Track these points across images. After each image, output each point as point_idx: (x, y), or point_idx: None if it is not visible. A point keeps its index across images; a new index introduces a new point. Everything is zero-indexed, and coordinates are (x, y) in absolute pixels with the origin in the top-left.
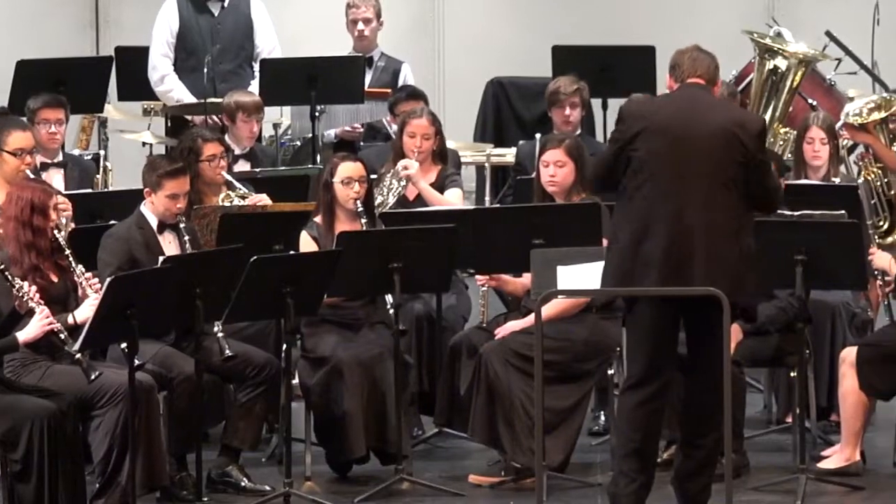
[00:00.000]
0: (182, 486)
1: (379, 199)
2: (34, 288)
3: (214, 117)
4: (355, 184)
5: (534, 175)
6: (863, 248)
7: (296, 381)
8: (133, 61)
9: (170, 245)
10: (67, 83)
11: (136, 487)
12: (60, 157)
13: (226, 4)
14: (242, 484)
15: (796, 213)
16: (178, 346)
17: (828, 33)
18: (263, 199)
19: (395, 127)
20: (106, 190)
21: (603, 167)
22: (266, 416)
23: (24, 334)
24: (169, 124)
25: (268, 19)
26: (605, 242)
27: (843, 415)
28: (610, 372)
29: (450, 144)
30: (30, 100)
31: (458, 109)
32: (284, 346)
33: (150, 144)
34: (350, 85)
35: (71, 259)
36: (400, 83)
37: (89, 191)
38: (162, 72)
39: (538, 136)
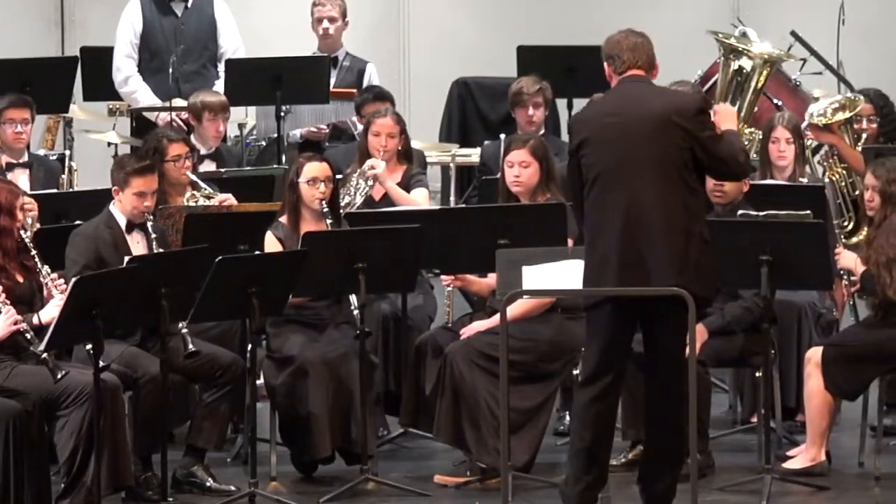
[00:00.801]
0: (147, 487)
1: (346, 199)
2: (0, 288)
3: (178, 118)
4: (321, 184)
5: (499, 175)
6: (828, 248)
7: (261, 381)
8: (98, 61)
9: (138, 245)
10: (33, 83)
11: (102, 487)
12: (26, 158)
13: (189, 5)
14: (208, 484)
15: (762, 214)
16: (144, 347)
17: (793, 33)
18: (229, 199)
19: (360, 127)
20: (71, 190)
21: (570, 186)
22: (231, 416)
23: None
24: (134, 124)
25: (231, 19)
26: (570, 243)
27: (809, 415)
28: (575, 372)
29: (415, 144)
30: None
31: (423, 109)
32: (249, 347)
33: (116, 144)
34: (315, 85)
35: (37, 259)
36: (365, 83)
37: (55, 191)
38: (126, 73)
39: (503, 136)
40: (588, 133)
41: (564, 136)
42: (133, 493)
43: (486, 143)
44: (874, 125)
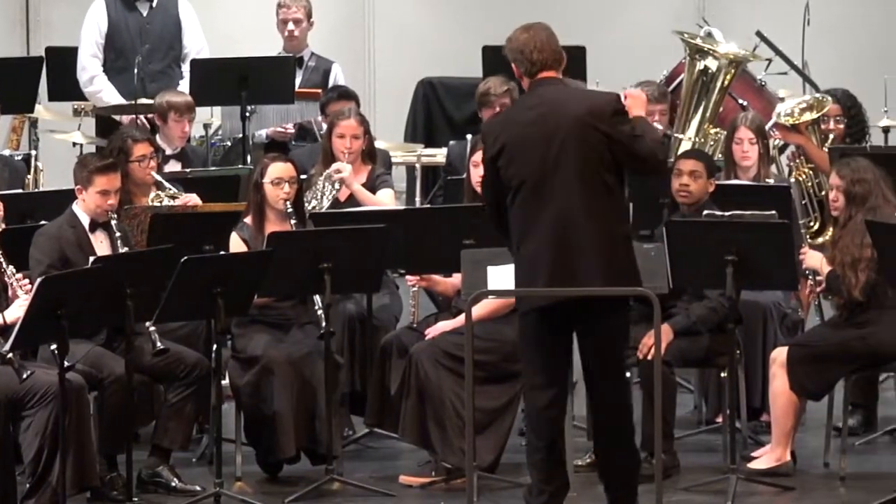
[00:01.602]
0: (112, 487)
1: (313, 203)
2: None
3: (143, 118)
4: (285, 184)
5: (464, 176)
6: (793, 248)
7: (226, 381)
8: (63, 61)
9: (101, 244)
10: None
11: (67, 488)
12: None
13: (154, 4)
14: (173, 484)
15: (727, 214)
16: (109, 347)
17: (758, 34)
18: (193, 199)
19: (325, 127)
20: (37, 190)
21: (487, 195)
22: (196, 416)
23: None
24: (98, 125)
25: (195, 20)
26: None
27: (774, 415)
28: None
29: (380, 145)
30: None
31: (388, 110)
32: (215, 347)
33: (81, 145)
34: (280, 85)
35: (1, 259)
36: (330, 83)
37: (20, 191)
38: (91, 72)
39: (469, 136)
40: (506, 140)
41: None
42: (98, 493)
43: (451, 143)
44: (841, 126)
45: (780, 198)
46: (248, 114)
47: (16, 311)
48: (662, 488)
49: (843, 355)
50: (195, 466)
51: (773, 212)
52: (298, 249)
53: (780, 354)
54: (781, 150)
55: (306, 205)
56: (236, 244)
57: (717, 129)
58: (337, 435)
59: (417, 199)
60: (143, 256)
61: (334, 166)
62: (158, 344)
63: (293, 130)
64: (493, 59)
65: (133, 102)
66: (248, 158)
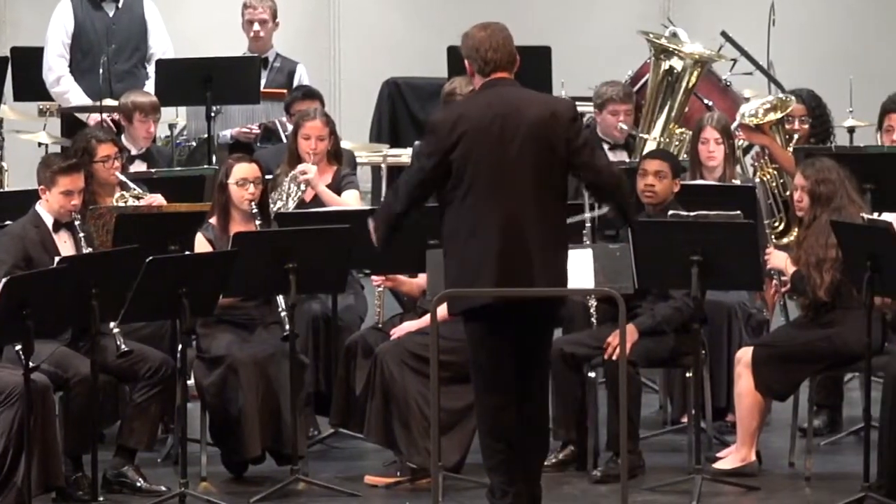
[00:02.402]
0: (78, 487)
1: (279, 205)
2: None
3: (108, 118)
4: (250, 185)
5: None
6: (758, 248)
7: (191, 381)
8: (29, 61)
9: (65, 244)
10: None
11: (32, 488)
12: None
13: (120, 5)
14: (138, 484)
15: (692, 214)
16: (74, 347)
17: (723, 34)
18: (158, 200)
19: (290, 127)
20: (2, 190)
21: (413, 191)
22: (161, 416)
23: None
24: (64, 125)
25: (160, 20)
26: None
27: (739, 415)
28: None
29: (346, 145)
30: None
31: (353, 110)
32: (180, 347)
33: (46, 145)
34: (246, 85)
35: None
36: (295, 84)
37: None
38: (58, 73)
39: None
40: (463, 134)
41: None
42: (64, 494)
43: (416, 143)
44: (806, 126)
45: (745, 198)
46: (213, 114)
47: None
48: (628, 488)
49: (808, 356)
50: (160, 466)
51: (739, 212)
52: (263, 250)
53: (745, 354)
54: (746, 150)
55: (272, 205)
56: (201, 244)
57: (683, 130)
58: (302, 435)
59: (384, 199)
60: (109, 256)
61: (300, 167)
62: (123, 346)
63: (258, 131)
64: (459, 59)
65: (99, 103)
66: (214, 159)
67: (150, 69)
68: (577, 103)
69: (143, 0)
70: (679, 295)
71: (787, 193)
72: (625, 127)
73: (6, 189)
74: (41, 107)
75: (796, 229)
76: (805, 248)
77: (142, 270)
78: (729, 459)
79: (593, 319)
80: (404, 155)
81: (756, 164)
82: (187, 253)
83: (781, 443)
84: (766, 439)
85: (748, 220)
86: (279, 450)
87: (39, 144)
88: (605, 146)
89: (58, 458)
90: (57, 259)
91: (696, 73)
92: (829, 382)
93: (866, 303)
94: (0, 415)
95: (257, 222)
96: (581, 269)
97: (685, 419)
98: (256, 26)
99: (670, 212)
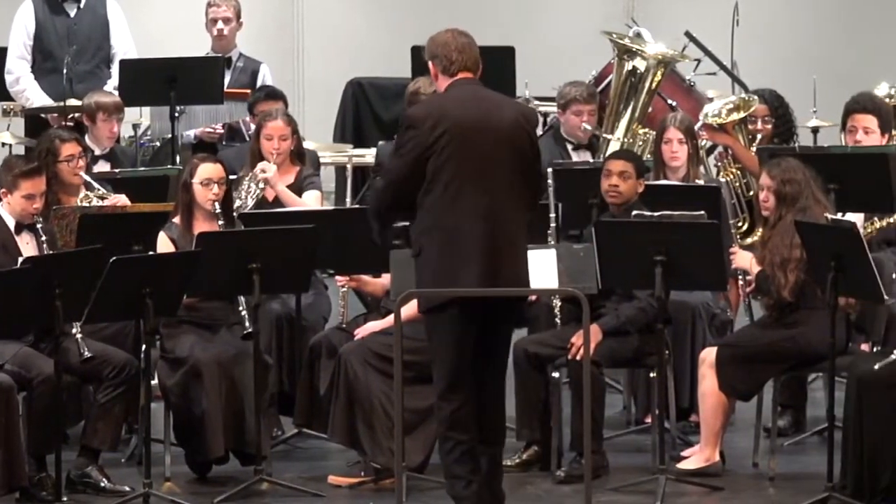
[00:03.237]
0: (41, 487)
1: (238, 203)
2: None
3: (71, 119)
4: (214, 185)
5: None
6: (722, 248)
7: (155, 381)
8: None
9: (27, 245)
10: None
11: None
12: None
13: (82, 5)
14: (102, 484)
15: (656, 214)
16: (38, 347)
17: (687, 34)
18: (122, 200)
19: (253, 127)
20: None
21: (397, 186)
22: (125, 416)
23: None
24: (27, 125)
25: (123, 20)
26: None
27: (703, 415)
28: None
29: (309, 145)
30: None
31: (317, 110)
32: (143, 347)
33: (10, 145)
34: (209, 85)
35: None
36: (259, 84)
37: None
38: (17, 74)
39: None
40: (446, 130)
41: None
42: (27, 494)
43: (381, 143)
44: (769, 126)
45: (709, 198)
46: (177, 114)
47: None
48: (591, 488)
49: (772, 356)
50: (124, 467)
51: (702, 212)
52: (227, 250)
53: (709, 355)
54: (710, 150)
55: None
56: (164, 244)
57: (646, 130)
58: (266, 435)
59: (348, 199)
60: (72, 257)
61: (259, 166)
62: (86, 353)
63: (222, 131)
64: (422, 59)
65: (63, 104)
66: (177, 159)
67: (114, 69)
68: (540, 103)
69: (105, 0)
70: (643, 295)
71: (751, 193)
72: (588, 127)
73: None
74: (5, 107)
75: (760, 229)
76: (770, 248)
77: (106, 270)
78: (693, 459)
79: (557, 320)
80: (368, 155)
81: (719, 164)
82: (151, 253)
83: (745, 443)
84: (731, 439)
85: (712, 220)
86: (243, 450)
87: (3, 144)
88: (569, 146)
89: (21, 458)
90: (20, 259)
91: (659, 74)
92: (794, 383)
93: (830, 303)
94: None
95: (220, 222)
96: (545, 269)
97: (649, 419)
98: (220, 24)
99: (634, 212)
